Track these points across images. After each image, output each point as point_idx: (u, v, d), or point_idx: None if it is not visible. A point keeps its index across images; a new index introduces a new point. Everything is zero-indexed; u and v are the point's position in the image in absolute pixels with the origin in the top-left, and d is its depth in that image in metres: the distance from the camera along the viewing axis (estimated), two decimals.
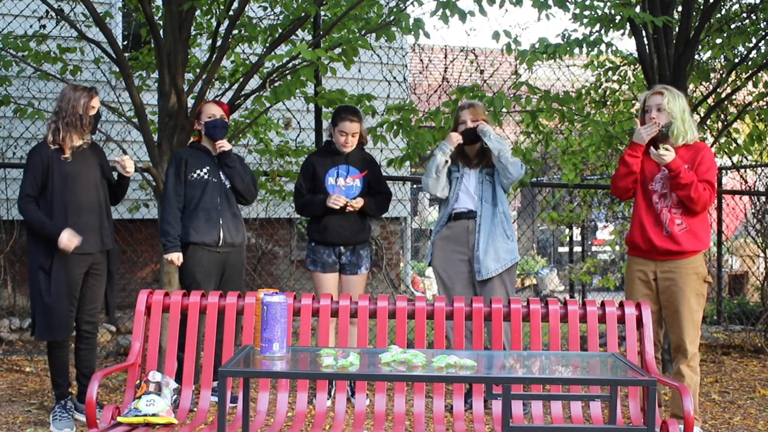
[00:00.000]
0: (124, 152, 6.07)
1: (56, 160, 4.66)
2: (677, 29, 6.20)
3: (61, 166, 4.67)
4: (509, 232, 5.08)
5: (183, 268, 5.09)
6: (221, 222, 5.09)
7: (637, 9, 6.13)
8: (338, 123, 5.27)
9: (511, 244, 5.07)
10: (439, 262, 5.19)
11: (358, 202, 5.22)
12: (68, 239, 4.57)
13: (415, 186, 12.03)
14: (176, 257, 5.02)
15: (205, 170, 5.13)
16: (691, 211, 4.49)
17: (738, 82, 7.30)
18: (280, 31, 6.15)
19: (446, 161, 5.11)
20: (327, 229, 5.23)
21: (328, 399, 4.42)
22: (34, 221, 4.63)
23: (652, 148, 4.49)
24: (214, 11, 6.33)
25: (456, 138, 5.10)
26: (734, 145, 7.98)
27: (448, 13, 5.41)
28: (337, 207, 5.15)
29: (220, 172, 5.15)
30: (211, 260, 5.08)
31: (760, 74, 7.24)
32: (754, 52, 7.16)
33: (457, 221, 5.14)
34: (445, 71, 8.93)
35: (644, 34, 6.13)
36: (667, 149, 4.44)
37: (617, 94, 7.94)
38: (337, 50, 5.66)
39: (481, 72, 8.75)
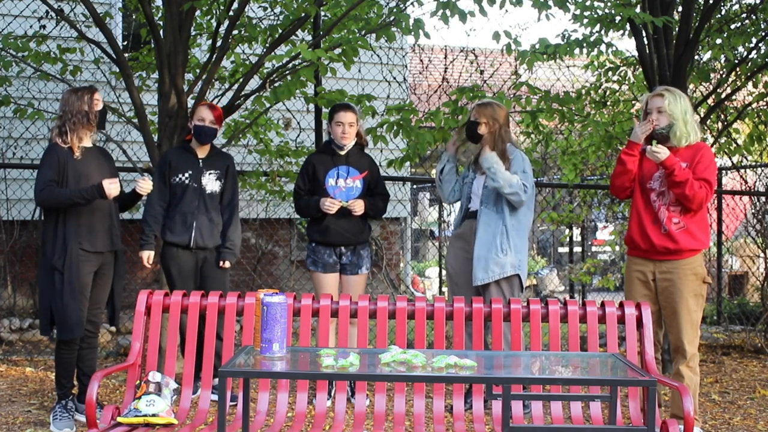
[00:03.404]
0: (124, 152, 6.08)
1: (70, 158, 4.68)
2: (677, 29, 6.20)
3: (75, 165, 4.68)
4: (505, 246, 4.91)
5: (162, 266, 5.33)
6: (195, 225, 5.18)
7: (637, 9, 6.13)
8: (333, 116, 5.29)
9: (505, 258, 4.91)
10: (449, 259, 5.25)
11: (359, 206, 5.21)
12: (111, 183, 4.58)
13: (415, 186, 12.04)
14: (146, 255, 5.19)
15: (186, 175, 5.20)
16: (688, 210, 4.49)
17: (738, 83, 7.30)
18: (280, 31, 6.15)
19: (442, 169, 5.22)
20: (328, 229, 5.23)
21: (328, 399, 4.42)
22: (67, 195, 4.59)
23: (651, 145, 4.49)
24: (214, 11, 6.33)
25: (452, 143, 5.16)
26: (734, 145, 7.98)
27: (448, 13, 5.41)
28: (332, 212, 5.17)
29: (201, 177, 5.21)
30: (185, 259, 5.22)
31: (759, 75, 7.24)
32: (754, 52, 7.17)
33: (469, 220, 5.15)
34: (445, 71, 8.94)
35: (644, 34, 6.13)
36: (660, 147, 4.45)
37: (617, 94, 7.94)
38: (337, 50, 5.66)
39: (481, 72, 8.75)
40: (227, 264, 5.30)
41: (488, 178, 4.95)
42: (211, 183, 5.25)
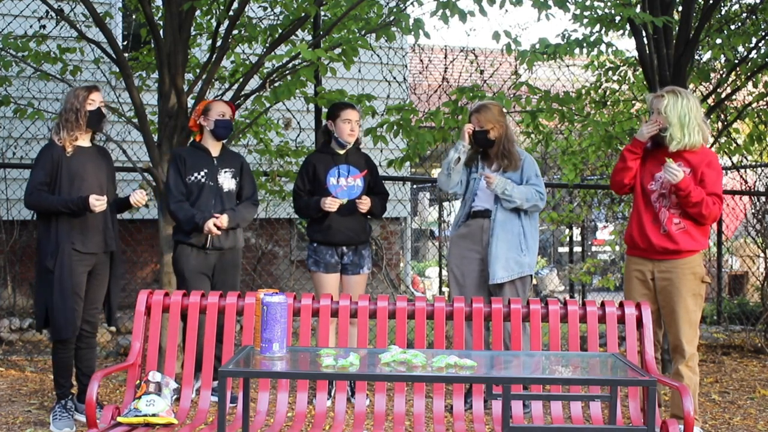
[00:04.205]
0: (124, 152, 6.07)
1: (65, 158, 4.67)
2: (677, 29, 6.20)
3: (70, 165, 4.67)
4: (524, 246, 5.04)
5: (173, 267, 5.17)
6: None
7: (637, 9, 6.13)
8: (340, 113, 5.27)
9: (525, 258, 5.03)
10: (454, 259, 5.19)
11: (365, 203, 5.22)
12: (98, 200, 4.56)
13: (415, 186, 12.03)
14: (211, 223, 4.98)
15: (202, 173, 5.12)
16: (700, 224, 4.49)
17: (738, 83, 7.30)
18: (280, 31, 6.15)
19: (458, 158, 5.08)
20: (330, 228, 5.22)
21: (328, 399, 4.42)
22: (53, 202, 4.60)
23: (669, 161, 4.43)
24: (214, 11, 6.33)
25: (467, 130, 5.08)
26: (734, 145, 7.98)
27: (448, 13, 5.41)
28: (333, 209, 5.16)
29: (217, 176, 5.15)
30: (199, 259, 5.11)
31: (759, 75, 7.23)
32: (754, 52, 7.17)
33: (475, 219, 5.13)
34: (445, 71, 8.94)
35: (644, 34, 6.13)
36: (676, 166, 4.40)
37: (617, 94, 7.94)
38: (337, 50, 5.66)
39: (481, 72, 8.75)
40: (223, 221, 5.01)
41: (503, 200, 5.01)
42: (227, 181, 5.19)
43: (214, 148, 5.21)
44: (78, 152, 4.72)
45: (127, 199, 4.81)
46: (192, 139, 5.40)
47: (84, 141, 4.77)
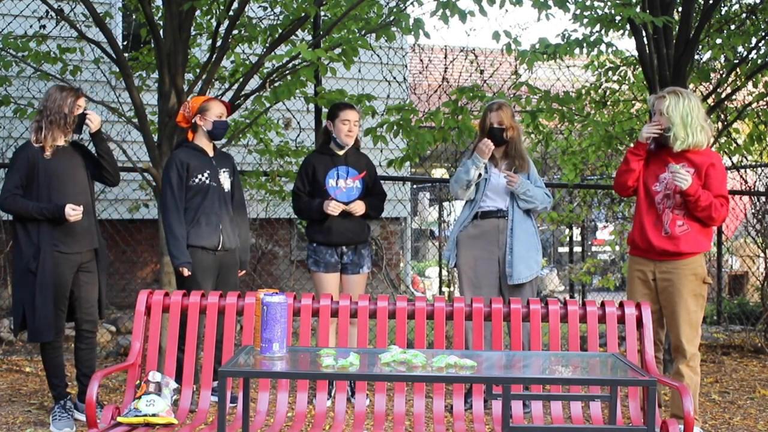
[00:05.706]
0: (124, 152, 6.07)
1: (42, 159, 4.64)
2: (677, 29, 6.20)
3: (48, 166, 4.64)
4: (538, 245, 5.15)
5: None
6: (221, 227, 5.07)
7: (637, 9, 6.13)
8: (339, 114, 5.27)
9: (540, 257, 5.14)
10: (466, 261, 5.15)
11: (359, 207, 5.22)
12: (74, 210, 4.56)
13: (415, 186, 12.03)
14: (187, 271, 4.94)
15: (206, 174, 5.06)
16: (706, 225, 4.50)
17: (738, 83, 7.30)
18: (280, 31, 6.15)
19: (480, 174, 5.11)
20: (330, 230, 5.22)
21: (328, 399, 4.42)
22: (29, 208, 4.58)
23: (677, 166, 4.43)
24: (214, 11, 6.32)
25: (487, 148, 5.05)
26: (734, 145, 7.98)
27: (448, 13, 5.41)
28: (335, 214, 5.16)
29: (219, 176, 5.14)
30: (209, 261, 5.06)
31: (759, 75, 7.23)
32: (754, 52, 7.16)
33: (486, 220, 5.12)
34: (445, 71, 8.93)
35: (644, 34, 6.13)
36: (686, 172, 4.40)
37: (617, 94, 7.94)
38: (337, 50, 5.66)
39: (481, 72, 8.75)
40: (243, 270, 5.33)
41: (521, 200, 5.07)
42: (227, 182, 5.16)
43: (208, 147, 5.16)
44: (55, 152, 4.69)
45: (98, 146, 4.78)
46: (184, 138, 5.32)
47: (61, 141, 4.75)
